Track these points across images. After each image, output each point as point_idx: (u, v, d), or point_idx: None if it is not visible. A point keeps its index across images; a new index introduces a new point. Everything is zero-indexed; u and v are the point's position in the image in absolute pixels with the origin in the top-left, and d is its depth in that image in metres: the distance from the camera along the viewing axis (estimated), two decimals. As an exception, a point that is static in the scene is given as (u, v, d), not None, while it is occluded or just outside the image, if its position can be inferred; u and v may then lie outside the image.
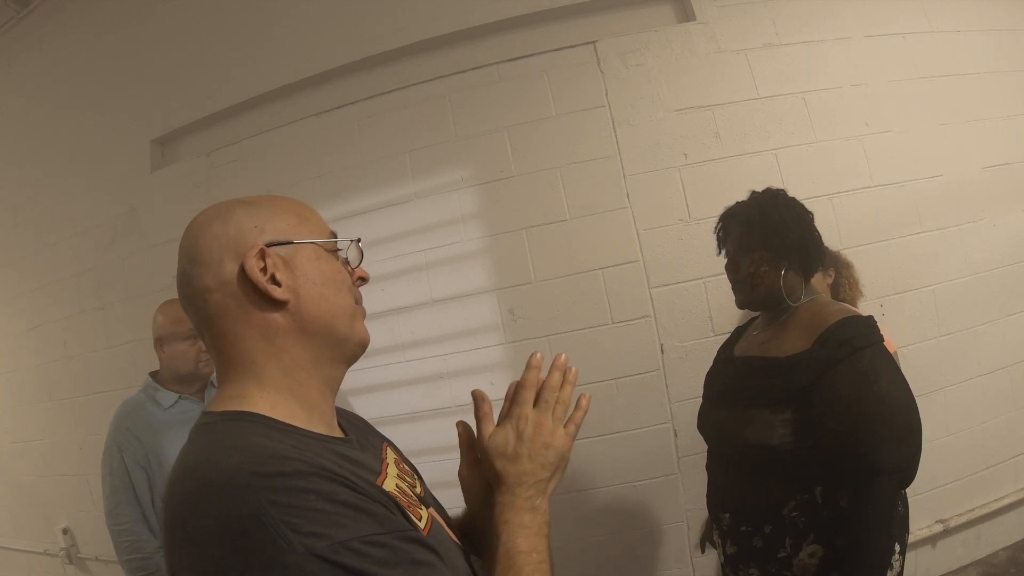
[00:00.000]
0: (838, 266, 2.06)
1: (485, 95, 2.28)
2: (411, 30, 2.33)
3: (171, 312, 1.81)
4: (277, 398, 0.64)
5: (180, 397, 1.81)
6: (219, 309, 0.65)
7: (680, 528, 2.16)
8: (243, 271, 0.64)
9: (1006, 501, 2.27)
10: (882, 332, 1.73)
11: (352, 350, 0.72)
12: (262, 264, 0.64)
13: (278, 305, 0.65)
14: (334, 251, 0.72)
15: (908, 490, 1.19)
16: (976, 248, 2.29)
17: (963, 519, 2.23)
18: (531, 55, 2.28)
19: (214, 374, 1.93)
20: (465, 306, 2.24)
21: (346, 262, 0.74)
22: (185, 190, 2.55)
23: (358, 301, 0.74)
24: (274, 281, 0.65)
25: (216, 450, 0.56)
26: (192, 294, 0.67)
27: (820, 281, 1.98)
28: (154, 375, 1.86)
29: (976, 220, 2.29)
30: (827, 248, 1.95)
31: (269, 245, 0.66)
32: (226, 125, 2.57)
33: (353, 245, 0.75)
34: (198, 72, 2.58)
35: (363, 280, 0.75)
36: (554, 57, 2.27)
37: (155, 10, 2.68)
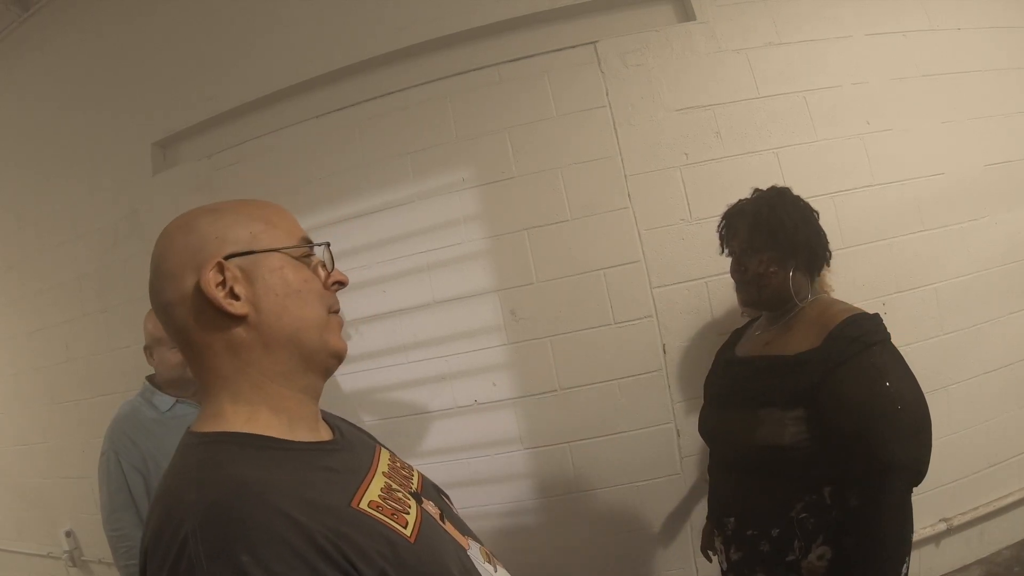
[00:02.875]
0: None
1: (486, 96, 2.28)
2: (411, 31, 2.33)
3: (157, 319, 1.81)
4: (251, 410, 0.64)
5: (177, 400, 1.81)
6: (184, 323, 0.66)
7: (683, 529, 2.15)
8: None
9: (1010, 499, 2.27)
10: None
11: (324, 362, 0.70)
12: (220, 278, 0.64)
13: (238, 319, 0.64)
14: (304, 257, 0.70)
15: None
16: (978, 246, 2.28)
17: (966, 518, 2.22)
18: (532, 56, 2.28)
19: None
20: (467, 307, 2.24)
21: (322, 265, 0.72)
22: (187, 193, 2.54)
23: (332, 310, 0.72)
24: (233, 295, 0.64)
25: (184, 482, 0.58)
26: (159, 306, 0.67)
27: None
28: (151, 378, 1.85)
29: (978, 218, 2.29)
30: None
31: (228, 257, 0.64)
32: (227, 127, 2.57)
33: (323, 250, 0.73)
34: (199, 74, 2.58)
35: (340, 284, 0.73)
36: (554, 57, 2.27)
37: (156, 13, 2.68)
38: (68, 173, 2.88)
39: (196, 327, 0.65)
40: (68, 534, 2.95)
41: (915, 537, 2.10)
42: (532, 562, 2.19)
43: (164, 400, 1.81)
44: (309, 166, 2.40)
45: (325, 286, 0.71)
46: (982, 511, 2.24)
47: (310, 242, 0.72)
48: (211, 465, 0.58)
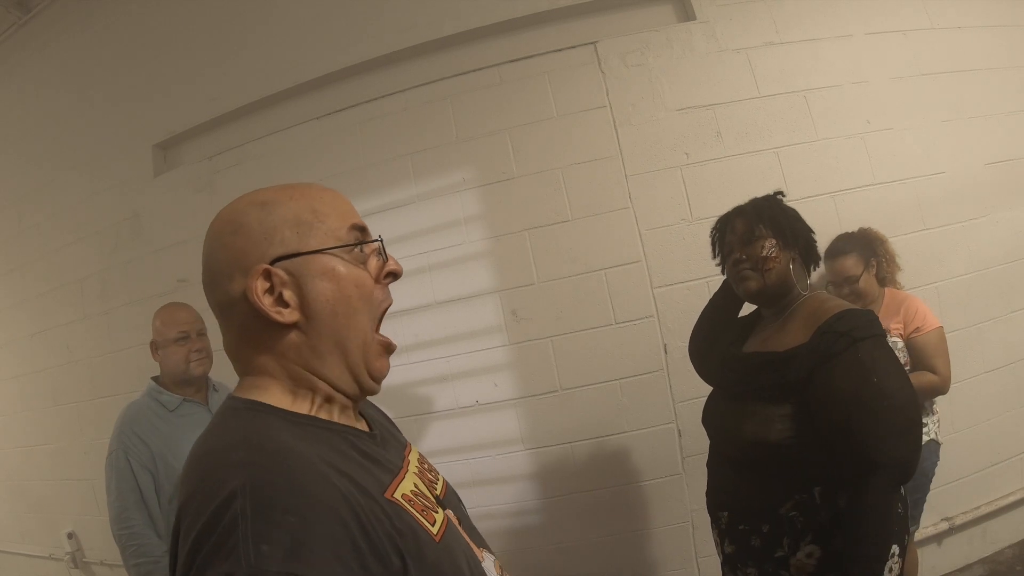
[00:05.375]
0: (874, 249, 2.05)
1: (486, 97, 2.28)
2: (412, 33, 2.33)
3: (165, 316, 1.84)
4: (297, 394, 0.65)
5: (184, 399, 1.83)
6: (233, 322, 0.65)
7: (684, 529, 2.15)
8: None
9: (1012, 499, 2.27)
10: (927, 309, 1.88)
11: (364, 379, 0.68)
12: (267, 284, 0.62)
13: (289, 325, 0.63)
14: (355, 251, 0.67)
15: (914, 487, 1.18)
16: (979, 245, 2.28)
17: (969, 517, 2.23)
18: (532, 56, 2.28)
19: (213, 378, 1.94)
20: (468, 307, 2.24)
21: (376, 254, 0.70)
22: (187, 195, 2.55)
23: (384, 305, 0.69)
24: (281, 300, 0.62)
25: (230, 441, 0.57)
26: (214, 305, 0.67)
27: (867, 280, 2.01)
28: (156, 379, 1.87)
29: (979, 217, 2.29)
30: (859, 237, 2.05)
31: (275, 261, 0.62)
32: (228, 129, 2.58)
33: (379, 245, 0.70)
34: (200, 76, 2.59)
35: (393, 276, 0.71)
36: (555, 58, 2.27)
37: (156, 15, 2.69)
38: (69, 175, 2.89)
39: (246, 328, 0.64)
40: (70, 536, 2.95)
41: (918, 536, 2.12)
42: (534, 562, 2.19)
43: (172, 399, 1.82)
44: (310, 167, 2.40)
45: (377, 279, 0.69)
46: (984, 510, 2.24)
47: (361, 229, 0.69)
48: (259, 429, 0.59)
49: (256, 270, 0.62)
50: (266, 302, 0.62)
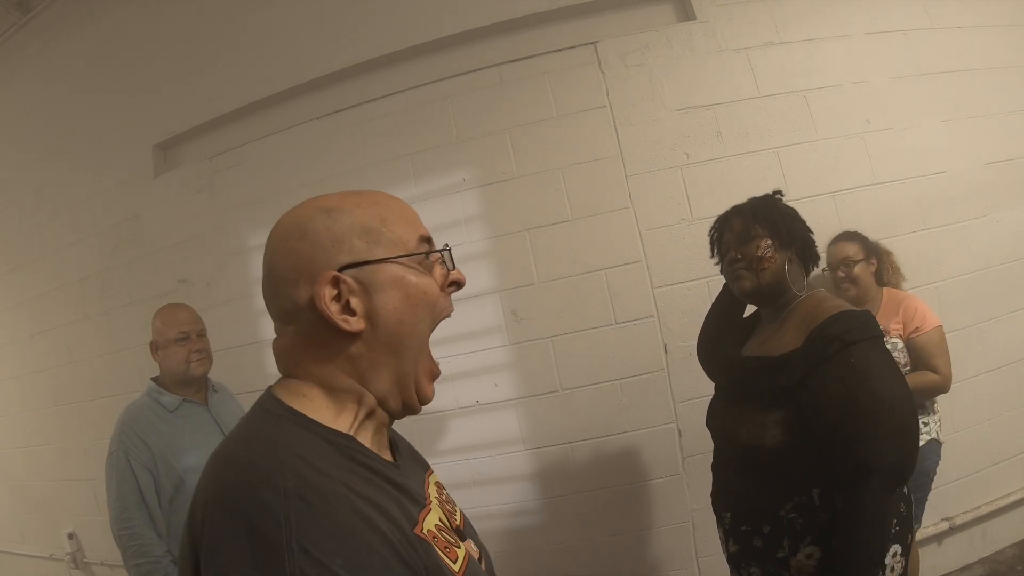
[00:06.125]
0: (879, 254, 2.08)
1: (486, 97, 2.28)
2: (412, 33, 2.33)
3: (165, 316, 1.84)
4: (342, 408, 0.64)
5: (184, 400, 1.83)
6: (292, 328, 0.64)
7: (685, 529, 2.15)
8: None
9: (1012, 498, 2.27)
10: (927, 308, 1.89)
11: (408, 401, 0.68)
12: (335, 291, 0.61)
13: (354, 334, 0.62)
14: (422, 261, 0.67)
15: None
16: (980, 244, 2.28)
17: (969, 516, 2.23)
18: (532, 56, 2.28)
19: (213, 379, 1.94)
20: (468, 308, 2.24)
21: (440, 262, 0.69)
22: (188, 195, 2.55)
23: (444, 314, 0.69)
24: (348, 308, 0.62)
25: (275, 462, 0.55)
26: (275, 309, 0.66)
27: (865, 270, 2.03)
28: (156, 379, 1.87)
29: (979, 216, 2.29)
30: (867, 238, 2.07)
31: (343, 268, 0.62)
32: (228, 129, 2.58)
33: (445, 255, 0.70)
34: (200, 76, 2.59)
35: (456, 285, 0.70)
36: (555, 58, 2.27)
37: (156, 15, 2.69)
38: (69, 176, 2.89)
39: (311, 335, 0.63)
40: (70, 536, 2.95)
41: (918, 536, 2.11)
42: (534, 562, 2.19)
43: (171, 399, 1.82)
44: (310, 168, 2.40)
45: (442, 287, 0.68)
46: (984, 510, 2.24)
47: (428, 240, 0.69)
48: (301, 451, 0.57)
49: (324, 277, 0.61)
50: (333, 309, 0.61)
